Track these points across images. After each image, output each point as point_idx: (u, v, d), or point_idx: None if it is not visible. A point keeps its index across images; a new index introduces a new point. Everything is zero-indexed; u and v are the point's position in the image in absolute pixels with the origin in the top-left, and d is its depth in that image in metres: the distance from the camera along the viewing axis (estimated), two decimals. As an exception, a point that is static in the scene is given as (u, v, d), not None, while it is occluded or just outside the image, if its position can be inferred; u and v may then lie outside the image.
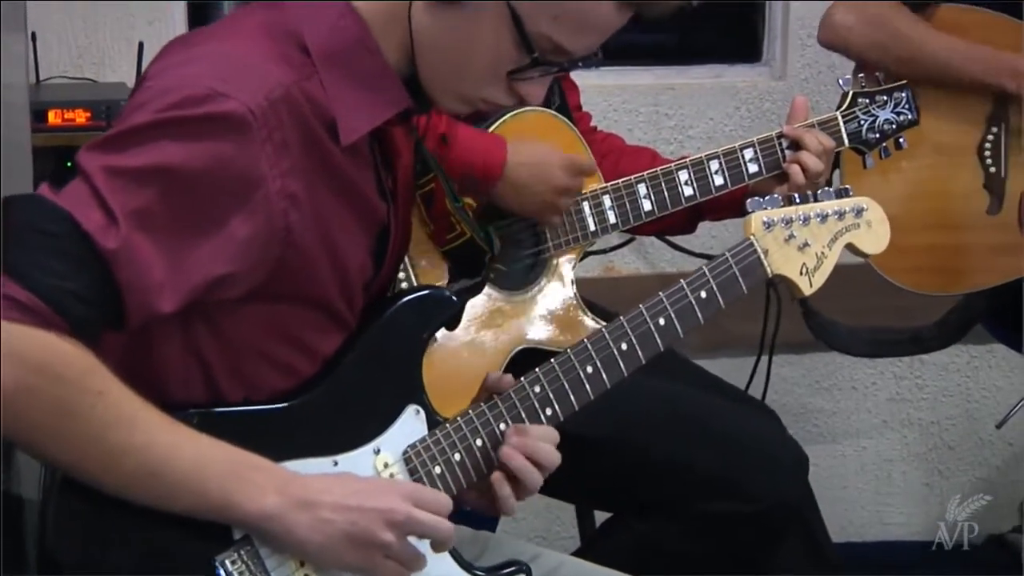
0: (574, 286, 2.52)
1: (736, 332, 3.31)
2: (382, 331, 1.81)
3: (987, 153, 2.87)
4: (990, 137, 2.87)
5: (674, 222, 2.60)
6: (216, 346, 1.71)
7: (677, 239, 3.23)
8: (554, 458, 1.85)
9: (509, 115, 2.43)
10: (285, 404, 1.74)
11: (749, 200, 2.05)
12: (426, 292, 1.88)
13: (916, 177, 2.89)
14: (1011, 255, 2.88)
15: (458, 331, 2.37)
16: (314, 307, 1.75)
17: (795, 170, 2.47)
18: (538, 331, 2.44)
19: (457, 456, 1.83)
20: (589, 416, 2.31)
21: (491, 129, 2.41)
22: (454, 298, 1.88)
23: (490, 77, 1.75)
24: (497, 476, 1.85)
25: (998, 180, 2.88)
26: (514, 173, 2.35)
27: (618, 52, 3.63)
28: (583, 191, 2.46)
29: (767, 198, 2.05)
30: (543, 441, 1.85)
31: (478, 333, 2.41)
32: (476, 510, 1.91)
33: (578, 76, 3.59)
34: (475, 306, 2.40)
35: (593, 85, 3.57)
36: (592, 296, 2.60)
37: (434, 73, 1.76)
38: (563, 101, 2.56)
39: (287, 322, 1.74)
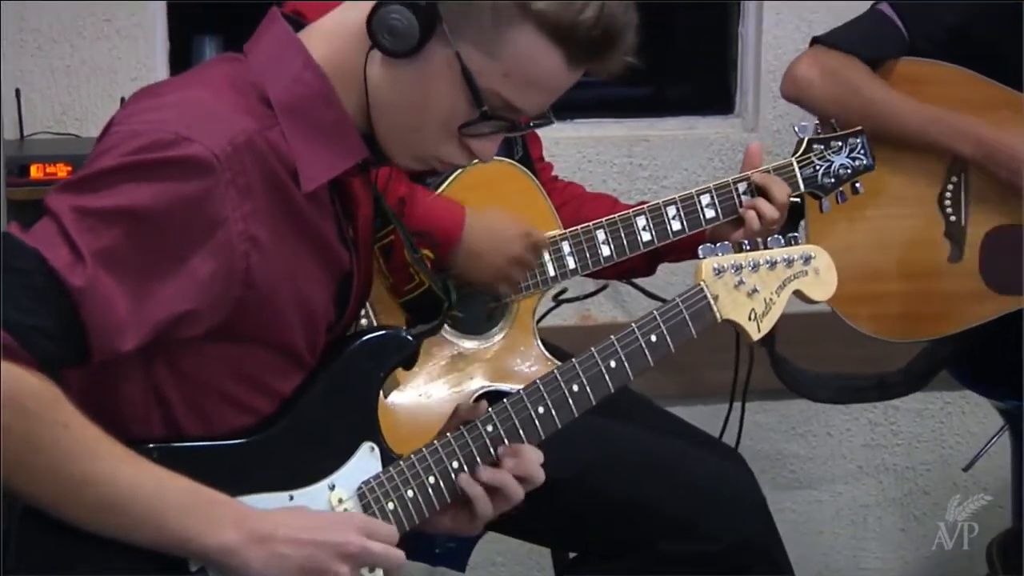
0: (536, 330, 2.58)
1: (711, 380, 3.38)
2: (339, 370, 1.87)
3: (947, 202, 2.93)
4: (950, 187, 2.93)
5: (634, 265, 2.66)
6: (177, 385, 1.77)
7: (652, 287, 3.29)
8: (540, 477, 1.96)
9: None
10: (242, 440, 1.80)
11: (701, 247, 2.11)
12: (383, 333, 1.94)
13: (879, 226, 2.95)
14: (973, 302, 2.94)
15: (422, 376, 2.45)
16: (276, 349, 1.81)
17: (751, 216, 2.53)
18: (501, 375, 2.50)
19: (410, 492, 1.88)
20: (552, 459, 2.37)
21: (451, 179, 2.48)
22: (410, 339, 1.95)
23: (442, 132, 1.81)
24: (479, 492, 1.92)
25: (959, 228, 2.94)
26: (471, 240, 2.41)
27: (592, 104, 3.73)
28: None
29: (718, 245, 2.11)
30: (533, 459, 1.95)
31: (441, 378, 2.47)
32: (447, 533, 1.97)
33: (552, 128, 3.67)
34: (437, 347, 2.46)
35: (568, 137, 3.66)
36: (569, 344, 2.65)
37: (389, 128, 1.82)
38: (526, 152, 2.63)
39: (248, 363, 1.80)
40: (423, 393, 2.43)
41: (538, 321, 3.07)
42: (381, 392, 2.33)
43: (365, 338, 1.91)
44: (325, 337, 1.87)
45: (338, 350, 1.89)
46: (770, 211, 2.53)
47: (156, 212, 1.66)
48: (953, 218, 2.94)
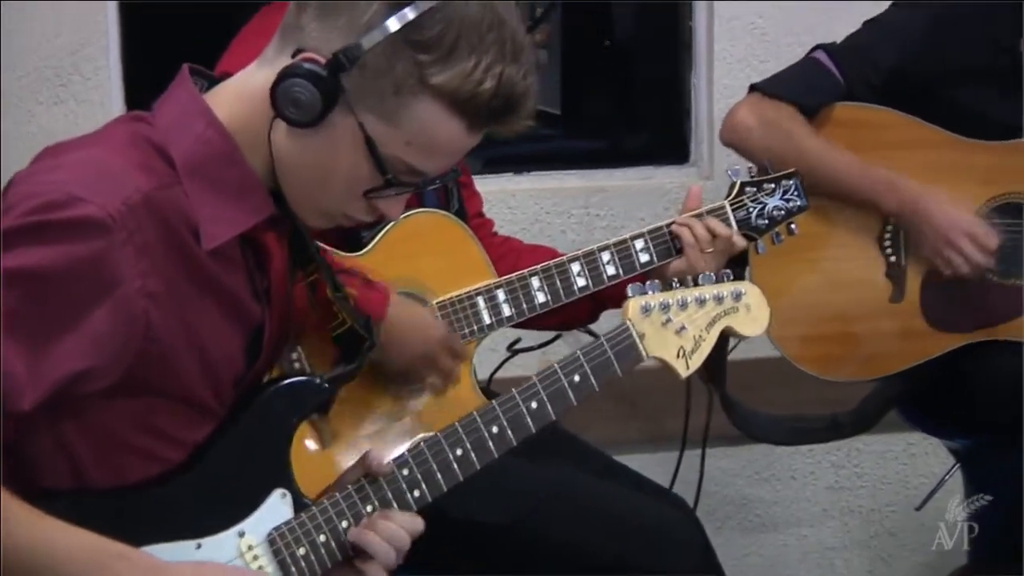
0: (475, 377, 2.61)
1: (673, 427, 3.40)
2: (252, 417, 1.90)
3: (887, 243, 2.97)
4: (889, 228, 2.97)
5: (578, 314, 2.69)
6: (84, 439, 1.78)
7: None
8: (403, 540, 1.92)
9: (401, 216, 2.53)
10: (151, 489, 1.82)
11: (630, 286, 2.15)
12: (297, 379, 1.97)
13: (822, 268, 2.99)
14: (915, 341, 2.97)
15: (362, 424, 2.48)
16: (180, 401, 1.83)
17: (685, 232, 2.58)
18: (440, 422, 2.51)
19: (322, 537, 1.90)
20: (488, 503, 2.43)
21: (385, 230, 2.52)
22: (326, 385, 1.97)
23: (347, 196, 1.84)
24: (359, 559, 1.92)
25: (898, 269, 2.98)
26: (393, 325, 2.39)
27: (549, 157, 3.79)
28: (474, 290, 2.56)
29: (648, 283, 2.14)
30: (400, 525, 1.92)
31: (381, 427, 2.50)
32: None
33: (510, 180, 3.75)
34: (377, 400, 2.49)
35: (525, 189, 3.71)
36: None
37: (294, 190, 1.85)
38: (461, 206, 2.67)
39: (154, 415, 1.82)
40: (358, 445, 2.45)
41: (494, 372, 3.13)
42: (320, 443, 2.42)
43: (278, 385, 1.94)
44: (238, 385, 1.90)
45: (251, 397, 1.91)
46: (703, 235, 2.56)
47: (51, 273, 1.68)
48: (893, 259, 2.97)
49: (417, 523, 1.94)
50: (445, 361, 2.49)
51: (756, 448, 3.77)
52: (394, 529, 1.91)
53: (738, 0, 3.78)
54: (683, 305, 2.15)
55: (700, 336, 2.17)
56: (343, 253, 2.50)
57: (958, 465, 3.20)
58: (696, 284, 2.17)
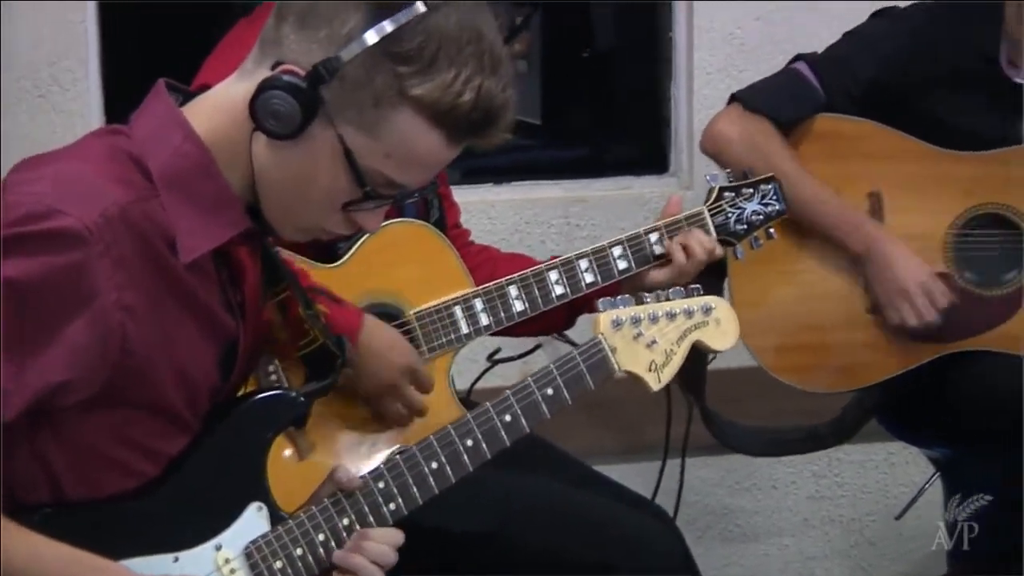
0: (452, 387, 2.60)
1: (652, 437, 3.40)
2: (228, 430, 1.90)
3: (866, 253, 2.98)
4: (867, 238, 2.98)
5: (554, 320, 2.69)
6: (62, 452, 1.78)
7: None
8: (388, 558, 1.93)
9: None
10: (127, 502, 1.82)
11: (600, 300, 2.15)
12: (272, 394, 1.97)
13: (800, 279, 2.99)
14: (893, 351, 2.98)
15: (339, 436, 2.48)
16: (157, 413, 1.83)
17: (676, 248, 2.57)
18: (416, 433, 2.52)
19: (299, 551, 1.90)
20: (465, 513, 2.43)
21: (362, 240, 2.51)
22: (302, 398, 1.97)
23: (326, 209, 1.85)
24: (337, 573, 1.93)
25: (876, 280, 2.98)
26: (361, 352, 2.39)
27: (528, 167, 3.79)
28: (451, 299, 2.56)
29: (619, 297, 2.14)
30: (381, 542, 1.93)
31: (359, 438, 2.50)
32: None
33: (489, 191, 3.76)
34: (355, 409, 2.49)
35: (504, 200, 3.72)
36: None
37: (274, 204, 1.85)
38: (442, 215, 2.67)
39: (131, 428, 1.82)
40: (336, 455, 2.45)
41: (475, 382, 3.13)
42: (298, 453, 2.42)
43: (255, 399, 1.94)
44: (213, 398, 1.90)
45: (227, 411, 1.91)
46: (698, 247, 2.57)
47: (31, 284, 1.69)
48: (871, 269, 2.98)
49: (398, 536, 1.95)
50: (408, 395, 2.47)
51: (736, 458, 3.76)
52: (378, 548, 1.92)
53: (718, 2, 3.79)
54: (654, 319, 2.15)
55: (671, 350, 2.17)
56: (318, 265, 2.49)
57: (938, 474, 3.21)
58: (666, 298, 2.17)
